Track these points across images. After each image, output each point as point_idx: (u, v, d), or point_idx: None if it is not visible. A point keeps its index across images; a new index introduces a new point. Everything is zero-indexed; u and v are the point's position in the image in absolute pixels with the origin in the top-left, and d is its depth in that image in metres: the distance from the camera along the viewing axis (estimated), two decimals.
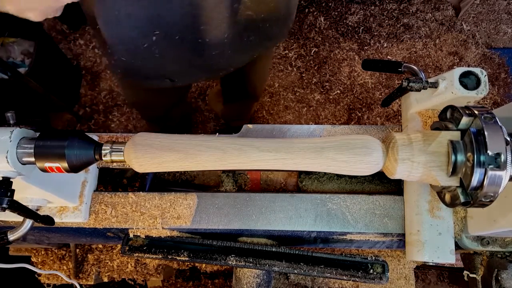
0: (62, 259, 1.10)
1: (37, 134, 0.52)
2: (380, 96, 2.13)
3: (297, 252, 0.70)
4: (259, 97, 1.58)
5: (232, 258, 0.69)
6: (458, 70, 0.61)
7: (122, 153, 0.52)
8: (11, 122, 0.56)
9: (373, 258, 0.69)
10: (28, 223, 0.60)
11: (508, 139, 0.46)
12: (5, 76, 1.54)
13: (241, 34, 0.87)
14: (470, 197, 0.50)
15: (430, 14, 2.31)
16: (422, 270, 1.79)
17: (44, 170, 0.51)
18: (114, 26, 0.74)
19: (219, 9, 0.73)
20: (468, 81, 0.62)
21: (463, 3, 2.22)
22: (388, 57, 2.21)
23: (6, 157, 0.49)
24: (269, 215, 0.72)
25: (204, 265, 1.23)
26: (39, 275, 1.12)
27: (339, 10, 2.30)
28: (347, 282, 0.98)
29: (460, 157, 0.48)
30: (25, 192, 0.62)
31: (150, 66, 0.55)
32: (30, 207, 0.61)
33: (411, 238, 0.67)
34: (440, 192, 0.58)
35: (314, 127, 0.78)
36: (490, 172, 0.45)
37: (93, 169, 0.75)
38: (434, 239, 0.64)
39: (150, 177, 0.82)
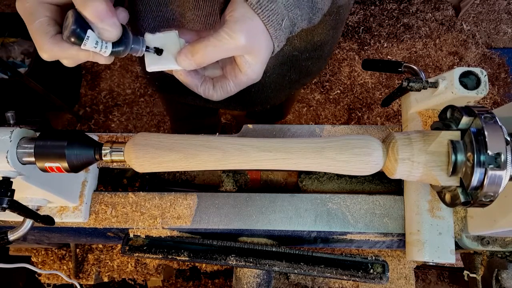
0: (62, 259, 1.10)
1: (37, 134, 0.52)
2: (380, 96, 2.13)
3: (297, 252, 0.70)
4: (285, 117, 1.53)
5: (232, 258, 0.69)
6: (458, 70, 0.61)
7: (122, 153, 0.52)
8: (11, 122, 0.56)
9: (373, 258, 0.69)
10: (28, 223, 0.60)
11: (508, 139, 0.46)
12: (5, 76, 1.55)
13: (283, 74, 0.84)
14: (470, 197, 0.50)
15: (430, 14, 2.31)
16: (422, 270, 1.79)
17: (44, 170, 0.51)
18: None
19: None
20: (468, 81, 0.62)
21: (463, 3, 2.23)
22: (388, 57, 2.22)
23: (6, 157, 0.49)
24: (269, 215, 0.72)
25: (204, 265, 1.23)
26: (39, 275, 1.12)
27: None
28: (347, 282, 0.98)
29: (460, 157, 0.48)
30: (25, 192, 0.62)
31: None
32: (30, 207, 0.61)
33: (411, 238, 0.67)
34: (440, 192, 0.58)
35: (314, 127, 0.78)
36: (490, 172, 0.45)
37: (93, 169, 0.75)
38: (434, 239, 0.64)
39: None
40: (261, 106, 0.96)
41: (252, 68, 0.51)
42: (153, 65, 0.52)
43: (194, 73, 0.54)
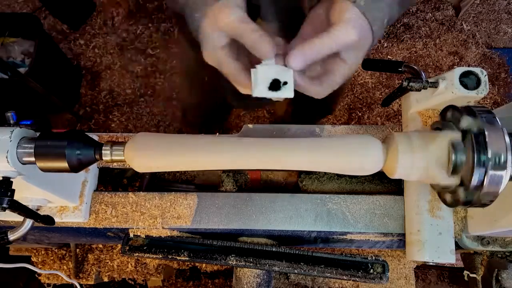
0: (62, 259, 1.10)
1: (37, 134, 0.52)
2: (380, 96, 2.13)
3: (297, 252, 0.70)
4: (333, 111, 1.46)
5: (232, 258, 0.69)
6: (458, 70, 0.61)
7: (122, 153, 0.52)
8: (11, 122, 0.56)
9: (373, 258, 0.69)
10: (28, 223, 0.60)
11: (508, 139, 0.46)
12: (5, 76, 1.54)
13: None
14: (470, 196, 0.50)
15: (430, 14, 2.31)
16: (422, 270, 1.79)
17: (44, 170, 0.51)
18: None
19: None
20: (468, 81, 0.62)
21: (463, 3, 2.22)
22: (388, 57, 2.21)
23: (6, 157, 0.49)
24: (269, 215, 0.72)
25: (204, 265, 1.23)
26: (39, 274, 1.12)
27: None
28: (347, 282, 0.98)
29: (460, 157, 0.48)
30: (25, 192, 0.62)
31: None
32: (30, 207, 0.61)
33: (411, 238, 0.67)
34: (440, 192, 0.58)
35: (314, 127, 0.78)
36: (490, 172, 0.45)
37: (93, 169, 0.75)
38: (434, 239, 0.64)
39: (147, 178, 0.82)
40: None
41: (356, 62, 0.55)
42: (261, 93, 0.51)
43: (303, 74, 0.56)
